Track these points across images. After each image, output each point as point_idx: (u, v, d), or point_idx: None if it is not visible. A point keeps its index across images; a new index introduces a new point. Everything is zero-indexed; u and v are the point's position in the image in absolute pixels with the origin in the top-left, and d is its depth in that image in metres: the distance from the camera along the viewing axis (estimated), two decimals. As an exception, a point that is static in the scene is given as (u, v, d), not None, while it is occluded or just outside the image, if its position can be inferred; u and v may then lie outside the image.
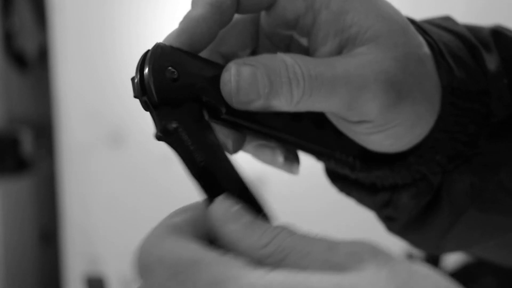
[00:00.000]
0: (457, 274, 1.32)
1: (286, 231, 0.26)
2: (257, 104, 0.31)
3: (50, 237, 1.89)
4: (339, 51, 0.33)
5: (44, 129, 1.86)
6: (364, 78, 0.31)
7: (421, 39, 0.34)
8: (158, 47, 0.31)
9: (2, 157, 1.76)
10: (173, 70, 0.31)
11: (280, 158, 0.37)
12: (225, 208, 0.27)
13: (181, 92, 0.31)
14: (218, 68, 0.33)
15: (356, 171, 0.37)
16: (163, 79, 0.30)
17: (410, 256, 1.31)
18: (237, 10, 0.34)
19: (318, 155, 0.38)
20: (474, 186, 0.35)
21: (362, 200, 0.39)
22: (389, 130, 0.34)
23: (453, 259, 1.44)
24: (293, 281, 0.22)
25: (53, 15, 1.58)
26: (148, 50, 0.31)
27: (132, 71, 0.32)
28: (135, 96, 0.31)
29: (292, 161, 0.38)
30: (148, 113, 0.31)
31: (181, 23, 0.32)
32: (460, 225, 0.37)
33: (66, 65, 1.58)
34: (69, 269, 1.65)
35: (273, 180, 1.55)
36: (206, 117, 0.34)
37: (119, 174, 1.60)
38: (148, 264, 0.25)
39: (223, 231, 0.27)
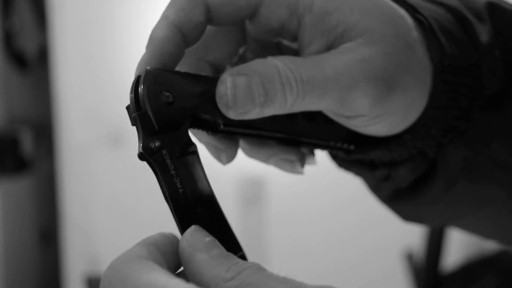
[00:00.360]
0: (457, 274, 1.32)
1: (253, 267, 0.26)
2: (253, 113, 0.32)
3: (50, 237, 1.89)
4: (327, 49, 0.33)
5: (44, 129, 1.86)
6: (353, 77, 0.32)
7: (409, 22, 0.34)
8: (149, 73, 0.31)
9: (2, 157, 1.76)
10: (168, 94, 0.31)
11: (300, 168, 0.38)
12: (197, 237, 0.28)
13: (178, 114, 0.31)
14: (209, 81, 0.33)
15: (352, 155, 0.38)
16: (160, 104, 0.30)
17: (410, 257, 1.31)
18: (212, 23, 0.34)
19: (314, 147, 0.38)
20: (467, 159, 0.36)
21: (361, 174, 0.40)
22: (384, 120, 0.34)
23: (453, 259, 1.44)
24: None
25: (53, 15, 1.58)
26: (139, 76, 0.31)
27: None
28: (133, 125, 0.31)
29: (308, 155, 0.39)
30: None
31: (148, 46, 0.33)
32: (448, 198, 0.37)
33: (66, 65, 1.58)
34: (69, 269, 1.65)
35: (273, 180, 1.55)
36: (206, 133, 0.34)
37: (119, 174, 1.60)
38: (110, 283, 0.25)
39: (192, 260, 0.27)
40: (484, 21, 0.36)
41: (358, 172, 0.40)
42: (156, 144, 0.30)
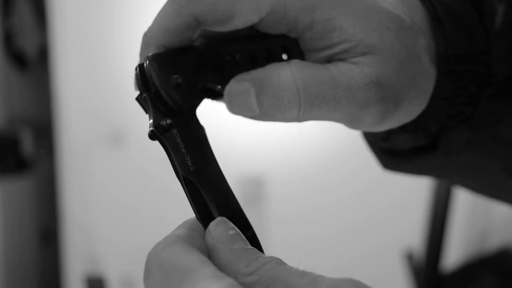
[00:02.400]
0: (457, 274, 1.32)
1: (273, 262, 0.26)
2: (251, 116, 0.32)
3: (50, 237, 1.89)
4: (332, 57, 0.33)
5: (44, 129, 1.86)
6: (366, 97, 0.32)
7: (415, 29, 0.33)
8: (154, 59, 0.31)
9: (2, 157, 1.76)
10: (176, 76, 0.31)
11: None
12: (223, 229, 0.28)
13: (189, 94, 0.31)
14: (211, 50, 0.33)
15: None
16: (170, 87, 0.31)
17: (410, 257, 1.31)
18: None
19: None
20: (470, 142, 0.36)
21: (364, 131, 0.40)
22: (387, 127, 0.35)
23: (453, 259, 1.44)
24: None
25: (53, 15, 1.58)
26: (142, 64, 0.31)
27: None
28: (147, 111, 0.32)
29: None
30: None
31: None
32: (442, 163, 0.38)
33: (66, 65, 1.58)
34: (69, 269, 1.65)
35: (273, 180, 1.55)
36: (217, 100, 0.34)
37: (119, 174, 1.60)
38: (150, 267, 0.26)
39: (216, 251, 0.28)
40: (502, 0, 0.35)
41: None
42: (168, 122, 0.30)
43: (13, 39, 1.84)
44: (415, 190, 1.45)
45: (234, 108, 0.32)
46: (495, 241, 1.51)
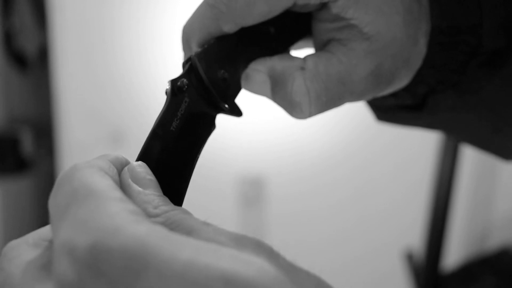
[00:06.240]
0: (457, 274, 1.32)
1: (181, 210, 0.27)
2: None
3: (50, 237, 1.89)
4: (338, 32, 0.35)
5: (44, 129, 1.86)
6: (366, 87, 0.35)
7: (422, 12, 0.35)
8: (202, 57, 0.32)
9: (2, 157, 1.76)
10: (222, 70, 0.33)
11: None
12: (143, 172, 0.28)
13: (235, 85, 0.34)
14: (246, 29, 0.34)
15: None
16: (218, 83, 0.33)
17: (410, 257, 1.32)
18: None
19: None
20: (455, 106, 0.38)
21: None
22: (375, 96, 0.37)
23: (453, 259, 1.44)
24: (174, 238, 0.22)
25: (53, 15, 1.58)
26: (190, 57, 0.32)
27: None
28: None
29: None
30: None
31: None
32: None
33: (66, 65, 1.58)
34: (69, 269, 1.65)
35: (273, 180, 1.54)
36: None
37: (119, 174, 1.60)
38: (60, 183, 0.26)
39: (129, 189, 0.28)
40: None
41: None
42: (184, 82, 0.31)
43: (13, 39, 1.84)
44: (415, 189, 1.45)
45: (254, 92, 0.35)
46: (495, 241, 1.51)
